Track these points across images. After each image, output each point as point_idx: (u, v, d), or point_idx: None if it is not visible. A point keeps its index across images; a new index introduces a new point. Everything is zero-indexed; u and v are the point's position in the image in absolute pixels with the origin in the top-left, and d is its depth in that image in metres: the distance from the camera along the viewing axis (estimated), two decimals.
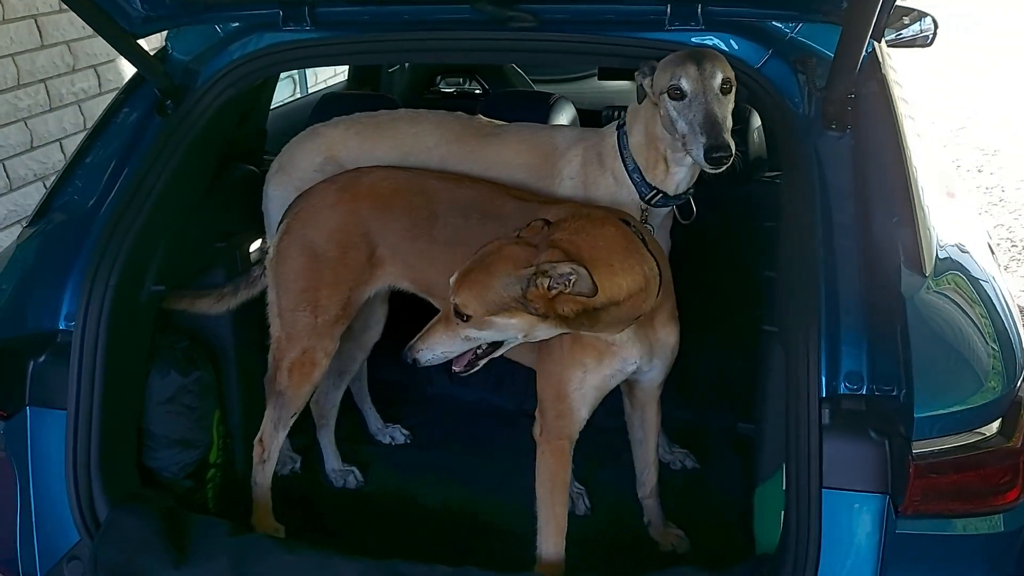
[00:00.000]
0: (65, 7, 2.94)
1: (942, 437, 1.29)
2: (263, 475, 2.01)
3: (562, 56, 1.98)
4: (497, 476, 2.13)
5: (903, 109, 1.70)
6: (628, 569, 1.77)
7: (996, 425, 1.33)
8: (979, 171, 5.95)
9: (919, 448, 1.28)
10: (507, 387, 2.44)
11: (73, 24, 3.19)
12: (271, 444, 1.98)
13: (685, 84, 1.66)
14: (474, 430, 2.40)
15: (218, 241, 2.03)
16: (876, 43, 1.66)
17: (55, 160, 3.16)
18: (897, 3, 3.81)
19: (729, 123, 1.67)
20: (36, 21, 3.05)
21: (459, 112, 2.04)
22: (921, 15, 3.69)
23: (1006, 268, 4.62)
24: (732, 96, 1.69)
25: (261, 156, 2.32)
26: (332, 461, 2.23)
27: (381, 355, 2.34)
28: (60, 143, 3.18)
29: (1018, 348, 1.40)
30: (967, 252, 1.59)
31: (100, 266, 1.71)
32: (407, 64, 3.30)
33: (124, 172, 1.84)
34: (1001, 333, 1.39)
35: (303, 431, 2.25)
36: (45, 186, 3.09)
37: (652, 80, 1.74)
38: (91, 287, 1.70)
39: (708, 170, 1.67)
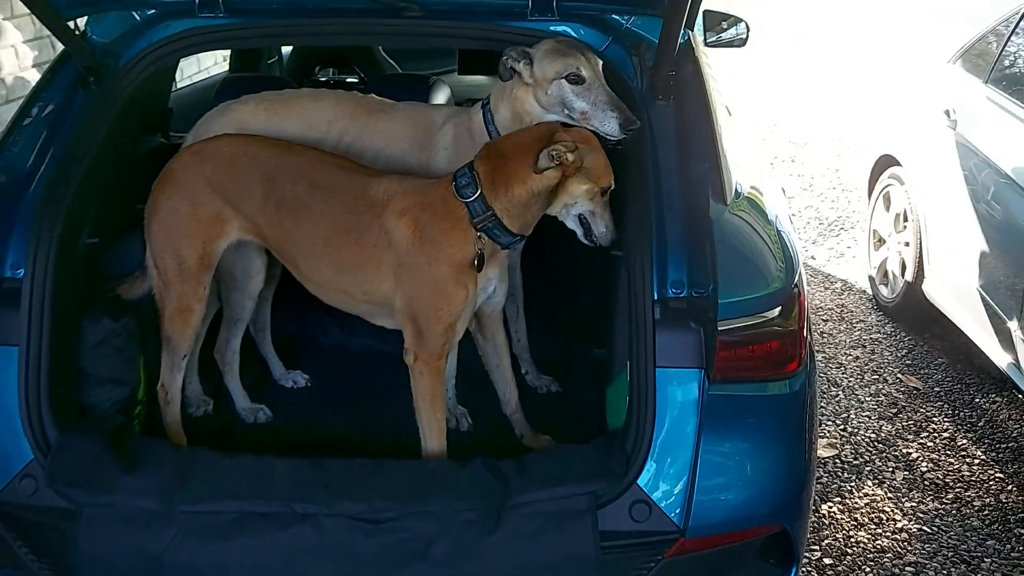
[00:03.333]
0: None
1: (737, 319, 1.75)
2: (172, 415, 2.28)
3: (442, 40, 2.36)
4: (386, 409, 2.41)
5: (712, 85, 2.18)
6: None
7: (777, 311, 1.80)
8: (792, 161, 6.75)
9: (721, 327, 1.74)
10: (390, 336, 2.79)
11: None
12: (171, 385, 2.25)
13: (583, 71, 2.06)
14: (364, 372, 2.73)
15: (139, 203, 2.28)
16: (691, 33, 2.12)
17: None
18: (715, 9, 4.42)
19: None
20: None
21: (355, 92, 2.38)
22: (737, 20, 4.29)
23: (814, 242, 5.35)
24: None
25: (168, 131, 2.57)
26: (241, 400, 2.50)
27: (280, 311, 2.66)
28: None
29: (794, 256, 1.88)
30: (758, 189, 2.08)
31: (44, 220, 1.95)
32: (284, 54, 3.59)
33: (56, 139, 2.07)
34: (782, 245, 1.88)
35: (211, 380, 2.53)
36: None
37: (532, 65, 2.11)
38: (38, 238, 1.93)
39: (615, 139, 2.07)
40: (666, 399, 1.80)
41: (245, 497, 1.83)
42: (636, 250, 1.85)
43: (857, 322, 4.40)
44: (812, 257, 5.16)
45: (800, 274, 1.92)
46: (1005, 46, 3.71)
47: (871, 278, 4.62)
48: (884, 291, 4.46)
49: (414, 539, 1.78)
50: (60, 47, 2.20)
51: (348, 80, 3.49)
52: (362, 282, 2.11)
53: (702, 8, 4.26)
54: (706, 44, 4.19)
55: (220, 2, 2.14)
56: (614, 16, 2.14)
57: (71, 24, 2.10)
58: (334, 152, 2.24)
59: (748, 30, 4.26)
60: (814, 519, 3.04)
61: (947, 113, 3.83)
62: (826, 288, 4.78)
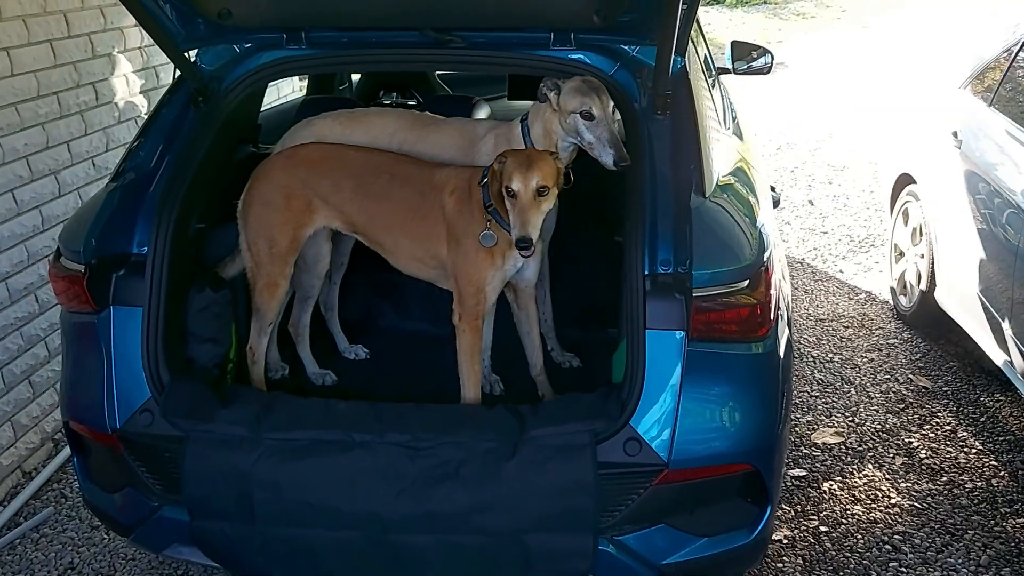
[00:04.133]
0: (73, 33, 3.70)
1: (710, 287, 2.15)
2: (257, 372, 2.76)
3: (482, 66, 2.83)
4: (431, 379, 2.80)
5: (705, 104, 2.60)
6: None
7: (745, 283, 2.20)
8: (829, 183, 7.05)
9: (696, 294, 2.15)
10: (438, 320, 3.25)
11: (78, 47, 3.90)
12: (258, 348, 2.74)
13: (594, 111, 2.50)
14: (415, 350, 3.19)
15: (233, 199, 2.78)
16: (685, 60, 2.54)
17: (64, 158, 3.83)
18: (745, 40, 4.80)
19: (620, 134, 2.53)
20: (51, 45, 3.74)
21: (412, 110, 2.87)
22: (764, 51, 4.71)
23: (843, 257, 5.66)
24: (616, 114, 2.55)
25: (258, 142, 3.09)
26: (311, 367, 2.98)
27: (348, 298, 3.15)
28: (68, 144, 3.86)
29: (764, 240, 2.28)
30: (739, 185, 2.49)
31: (164, 209, 2.46)
32: (354, 81, 4.13)
33: (172, 146, 2.59)
34: (753, 231, 2.28)
35: (290, 348, 3.02)
36: (58, 180, 3.79)
37: (559, 96, 2.55)
38: (159, 223, 2.43)
39: (611, 168, 2.52)
40: (655, 355, 2.21)
41: (315, 427, 2.29)
42: (632, 236, 2.27)
43: (876, 329, 4.71)
44: (840, 271, 5.47)
45: (770, 255, 2.31)
46: (1007, 73, 4.04)
47: (892, 289, 4.93)
48: (903, 301, 4.77)
49: (447, 462, 2.21)
50: (163, 76, 2.73)
51: (408, 102, 3.99)
52: (428, 249, 2.59)
53: (732, 40, 4.73)
54: (734, 71, 4.62)
55: (303, 36, 2.64)
56: (621, 46, 2.58)
57: (187, 54, 2.63)
58: None
59: (773, 59, 4.68)
60: (815, 495, 3.39)
61: (954, 134, 4.16)
62: (850, 298, 5.09)
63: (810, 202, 6.63)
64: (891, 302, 4.94)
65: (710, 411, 2.24)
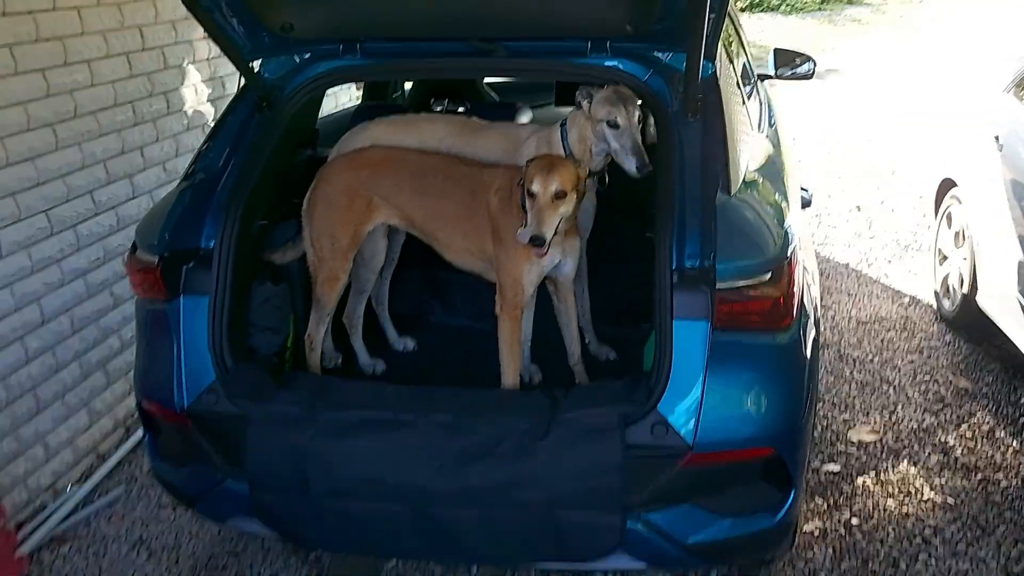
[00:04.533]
0: (148, 46, 3.96)
1: (732, 279, 2.29)
2: (313, 359, 2.96)
3: (523, 73, 3.01)
4: (475, 371, 2.91)
5: (735, 108, 2.74)
6: None
7: (767, 276, 2.32)
8: (877, 188, 7.06)
9: (720, 286, 2.28)
10: (483, 316, 3.42)
11: (152, 59, 4.17)
12: (316, 336, 2.94)
13: (620, 120, 2.68)
14: (460, 344, 3.36)
15: (295, 198, 2.99)
16: (713, 66, 2.67)
17: (137, 163, 4.10)
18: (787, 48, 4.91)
19: (641, 141, 2.69)
20: (128, 57, 4.02)
21: (461, 116, 3.06)
22: (807, 58, 4.82)
23: (889, 262, 5.70)
24: (642, 123, 2.72)
25: (316, 146, 3.30)
26: (363, 356, 3.18)
27: (398, 294, 3.35)
28: (141, 150, 4.13)
29: (787, 234, 2.41)
30: (766, 184, 2.62)
31: (230, 206, 2.67)
32: (407, 89, 4.35)
33: (239, 149, 2.81)
34: (775, 225, 2.41)
35: (342, 339, 3.22)
36: (132, 183, 4.06)
37: (591, 105, 2.73)
38: (225, 220, 2.65)
39: (634, 175, 2.68)
40: (681, 344, 2.34)
41: (364, 407, 2.48)
42: (661, 232, 2.41)
43: (918, 332, 4.75)
44: (885, 275, 5.51)
45: (793, 250, 2.43)
46: None
47: (936, 292, 4.97)
48: (946, 304, 4.80)
49: (485, 441, 2.37)
50: (228, 86, 2.96)
51: (457, 109, 4.19)
52: (477, 243, 2.77)
53: (774, 48, 4.83)
54: (777, 77, 4.72)
55: (358, 47, 2.84)
56: (655, 53, 2.72)
57: (251, 65, 2.85)
58: None
59: (815, 66, 4.77)
60: (848, 490, 3.47)
61: (996, 139, 4.21)
62: (894, 302, 5.13)
63: (857, 207, 6.65)
64: (935, 305, 4.97)
65: (733, 397, 2.36)
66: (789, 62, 4.86)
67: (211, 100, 4.66)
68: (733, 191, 2.43)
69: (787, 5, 15.03)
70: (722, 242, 2.31)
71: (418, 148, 2.96)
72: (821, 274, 5.54)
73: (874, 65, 11.52)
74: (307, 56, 2.93)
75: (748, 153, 2.69)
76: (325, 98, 3.64)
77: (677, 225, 2.40)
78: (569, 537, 2.39)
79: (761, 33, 13.80)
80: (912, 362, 4.44)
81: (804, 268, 2.83)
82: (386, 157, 2.88)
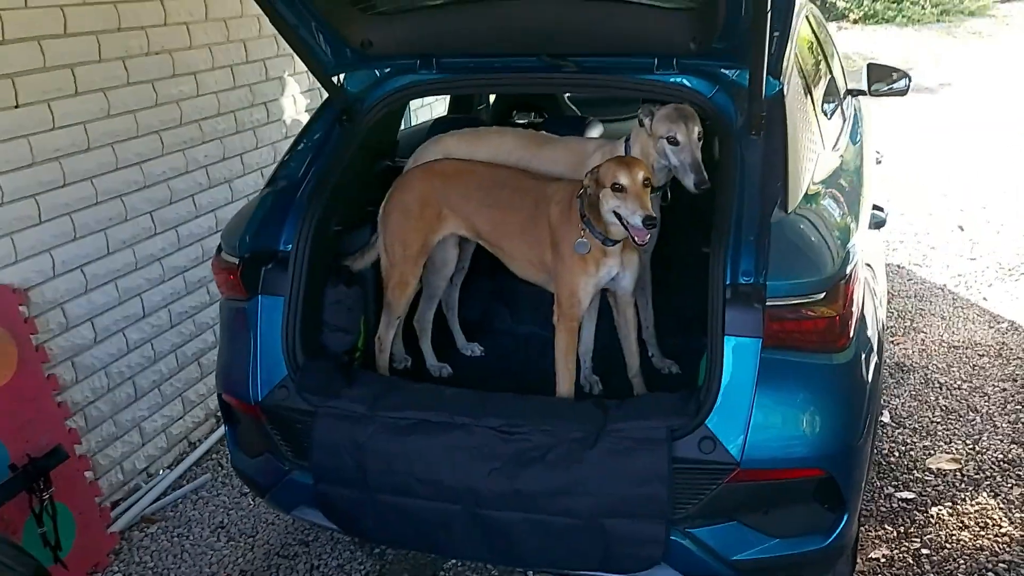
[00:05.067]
0: (251, 59, 4.19)
1: (784, 298, 2.28)
2: (383, 360, 3.08)
3: (592, 88, 3.07)
4: (538, 377, 3.00)
5: (802, 126, 2.72)
6: None
7: (821, 296, 2.30)
8: (983, 208, 6.78)
9: (771, 303, 2.28)
10: (549, 324, 3.48)
11: (254, 71, 4.42)
12: (386, 338, 3.06)
13: (679, 137, 2.73)
14: (526, 350, 3.43)
15: (369, 206, 3.13)
16: (780, 83, 2.66)
17: (237, 168, 4.35)
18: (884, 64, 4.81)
19: (701, 158, 2.72)
20: (232, 69, 4.27)
21: (531, 130, 3.14)
22: (903, 74, 4.72)
23: (990, 285, 5.48)
24: (702, 140, 2.76)
25: (395, 156, 3.44)
26: (430, 359, 3.29)
27: (468, 301, 3.45)
28: (241, 157, 4.38)
29: (849, 254, 2.38)
30: (830, 203, 2.60)
31: (307, 212, 2.82)
32: (491, 103, 4.47)
33: (319, 159, 2.97)
34: (833, 244, 2.39)
35: (412, 343, 3.34)
36: (231, 187, 4.31)
37: (652, 123, 2.79)
38: (302, 225, 2.80)
39: (692, 191, 2.71)
40: (732, 360, 2.35)
41: (422, 408, 2.57)
42: (717, 247, 2.43)
43: (1014, 359, 4.56)
44: (984, 299, 5.30)
45: (853, 271, 2.41)
46: None
47: None
48: None
49: (537, 447, 2.43)
50: (325, 96, 3.12)
51: (538, 122, 4.28)
52: (538, 255, 2.85)
53: (868, 63, 4.74)
54: (870, 93, 4.63)
55: (434, 62, 2.96)
56: (721, 70, 2.74)
57: (334, 78, 3.00)
58: None
59: (910, 81, 4.65)
60: (920, 519, 3.38)
61: None
62: (991, 327, 4.93)
63: (960, 227, 6.41)
64: None
65: (783, 416, 2.35)
66: (884, 78, 4.74)
67: (308, 110, 4.89)
68: (791, 209, 2.42)
69: (903, 17, 14.52)
70: (775, 259, 2.31)
71: (489, 160, 3.05)
72: (914, 296, 5.38)
73: (992, 79, 11.02)
74: (387, 70, 3.06)
75: (814, 171, 2.67)
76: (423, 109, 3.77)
77: (732, 241, 2.41)
78: (614, 547, 2.42)
79: (874, 46, 13.41)
80: (1004, 390, 4.26)
81: (871, 289, 2.80)
82: (457, 169, 2.99)
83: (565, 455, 2.41)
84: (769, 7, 2.16)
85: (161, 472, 3.90)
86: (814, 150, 2.79)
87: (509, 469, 2.44)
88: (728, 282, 2.37)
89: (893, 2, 14.94)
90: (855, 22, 14.74)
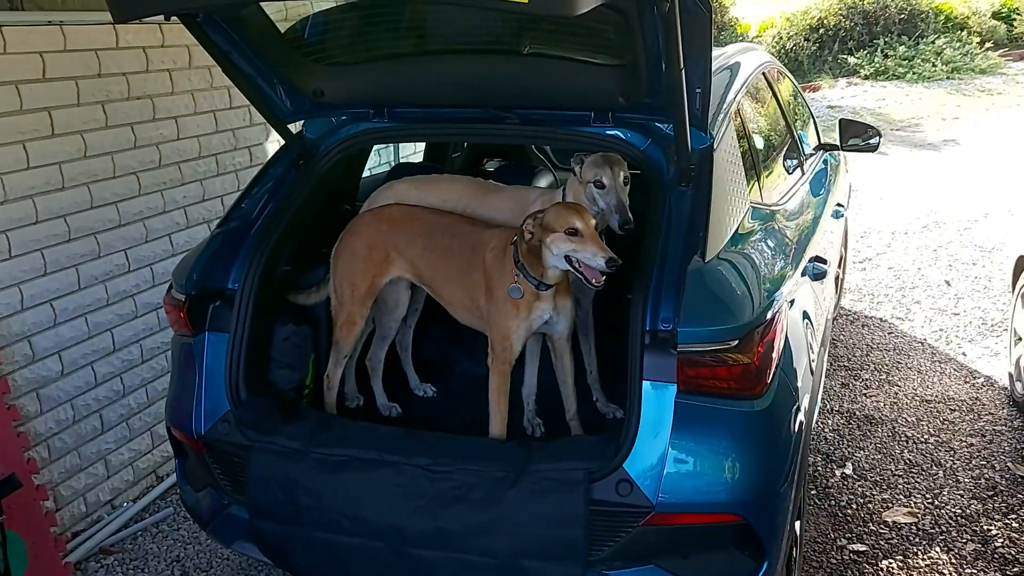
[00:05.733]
0: (235, 105, 4.33)
1: (697, 344, 2.33)
2: (330, 397, 3.14)
3: (533, 139, 3.16)
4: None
5: (730, 178, 2.79)
6: None
7: (734, 343, 2.34)
8: (973, 264, 6.77)
9: (682, 349, 2.33)
10: None
11: (238, 116, 4.57)
12: (334, 376, 3.12)
13: (605, 180, 2.82)
14: (481, 393, 3.47)
15: (324, 247, 3.22)
16: (711, 137, 2.74)
17: (217, 209, 4.48)
18: (856, 120, 4.87)
19: (627, 201, 2.80)
20: (215, 115, 4.42)
21: (479, 178, 3.24)
22: (876, 132, 4.79)
23: (970, 340, 5.45)
24: (628, 184, 2.83)
25: (354, 201, 3.55)
26: (381, 398, 3.35)
27: (424, 342, 3.52)
28: (221, 199, 4.51)
29: (764, 302, 2.43)
30: (755, 253, 2.65)
31: (255, 252, 2.93)
32: (464, 148, 4.61)
33: (272, 201, 3.08)
34: (749, 292, 2.44)
35: (365, 382, 3.40)
36: (209, 228, 4.43)
37: (581, 169, 2.89)
38: (251, 263, 2.89)
39: (617, 231, 2.79)
40: (649, 405, 2.40)
41: (355, 446, 2.63)
42: (638, 293, 2.48)
43: (985, 414, 4.54)
44: (963, 353, 5.28)
45: (771, 319, 2.45)
46: None
47: (1010, 374, 4.74)
48: (1019, 387, 4.57)
49: (459, 486, 2.48)
50: None
51: (483, 170, 4.37)
52: (474, 299, 2.91)
53: (840, 119, 4.82)
54: (842, 148, 4.71)
55: (385, 111, 3.07)
56: (656, 123, 2.82)
57: (289, 126, 3.12)
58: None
59: (880, 138, 4.72)
60: (870, 571, 3.36)
61: None
62: (966, 382, 4.92)
63: (947, 282, 6.41)
64: (1008, 388, 4.74)
65: (698, 461, 2.38)
66: (857, 133, 4.81)
67: None
68: (709, 257, 2.47)
69: (914, 73, 14.62)
70: (688, 306, 2.36)
71: (438, 206, 3.15)
72: (893, 349, 5.38)
73: (998, 138, 11.04)
74: (343, 118, 3.17)
75: (742, 222, 2.73)
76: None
77: (653, 288, 2.46)
78: None
79: (880, 102, 13.51)
80: (971, 445, 4.24)
81: (807, 338, 2.84)
82: (403, 215, 3.08)
83: (486, 495, 2.46)
84: (683, 67, 2.24)
85: (125, 504, 3.96)
86: (745, 201, 2.86)
87: (432, 507, 2.49)
88: (648, 328, 2.42)
89: (904, 59, 15.04)
90: (866, 78, 14.85)
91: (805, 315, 2.93)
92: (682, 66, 2.24)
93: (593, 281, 2.61)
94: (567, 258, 2.63)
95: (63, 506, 3.66)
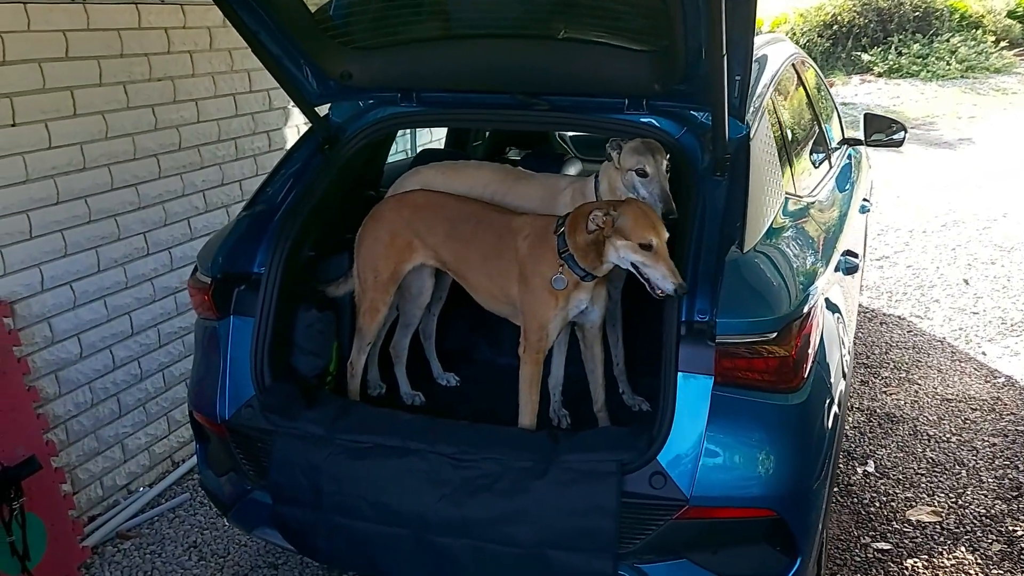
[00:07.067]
0: (255, 88, 4.29)
1: (735, 336, 2.28)
2: (354, 385, 3.10)
3: (563, 127, 3.11)
4: (514, 403, 2.92)
5: (767, 169, 2.74)
6: None
7: (772, 336, 2.30)
8: (992, 263, 6.72)
9: (720, 341, 2.28)
10: None
11: (257, 101, 4.53)
12: (357, 364, 3.08)
13: (648, 168, 2.76)
14: (503, 382, 3.43)
15: (348, 233, 3.18)
16: (747, 126, 2.69)
17: (235, 194, 4.44)
18: (880, 114, 4.84)
19: (669, 190, 2.75)
20: (235, 98, 4.38)
21: (507, 165, 3.19)
22: (902, 126, 4.74)
23: (990, 340, 5.40)
24: (669, 171, 2.78)
25: (378, 186, 3.50)
26: (404, 387, 3.31)
27: (448, 330, 3.48)
28: (240, 183, 4.47)
29: (801, 295, 2.39)
30: (792, 245, 2.60)
31: (280, 237, 2.89)
32: (485, 137, 4.55)
33: (297, 185, 3.04)
34: (787, 285, 2.39)
35: (388, 370, 3.37)
36: (228, 212, 4.39)
37: (620, 156, 2.82)
38: (275, 247, 2.86)
39: None
40: (684, 397, 2.35)
41: (378, 433, 2.60)
42: None
43: (1007, 414, 4.49)
44: (983, 353, 5.23)
45: (810, 312, 2.41)
46: None
47: None
48: None
49: (485, 475, 2.44)
50: None
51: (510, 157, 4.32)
52: (503, 287, 2.86)
53: (865, 113, 4.77)
54: (867, 143, 4.65)
55: (414, 96, 3.03)
56: (691, 111, 2.77)
57: (316, 109, 3.08)
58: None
59: (905, 133, 4.67)
60: (895, 570, 3.32)
61: None
62: (987, 381, 4.87)
63: (965, 281, 6.36)
64: None
65: (733, 454, 2.34)
66: (881, 129, 4.76)
67: None
68: (747, 248, 2.43)
69: (928, 71, 14.52)
70: (726, 298, 2.32)
71: (465, 193, 3.10)
72: (912, 347, 5.33)
73: (1014, 138, 10.97)
74: (371, 102, 3.13)
75: (778, 212, 2.68)
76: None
77: (689, 279, 2.42)
78: None
79: (895, 100, 13.43)
80: (994, 445, 4.20)
81: (839, 333, 2.80)
82: (427, 201, 3.04)
83: (513, 484, 2.42)
84: (725, 52, 2.19)
85: (141, 489, 3.94)
86: (780, 193, 2.81)
87: (457, 496, 2.46)
88: (684, 319, 2.38)
89: (918, 57, 14.95)
90: (880, 75, 14.76)
91: (837, 309, 2.88)
92: (724, 52, 2.20)
93: (658, 292, 2.48)
94: (635, 266, 2.53)
95: (80, 489, 3.63)
